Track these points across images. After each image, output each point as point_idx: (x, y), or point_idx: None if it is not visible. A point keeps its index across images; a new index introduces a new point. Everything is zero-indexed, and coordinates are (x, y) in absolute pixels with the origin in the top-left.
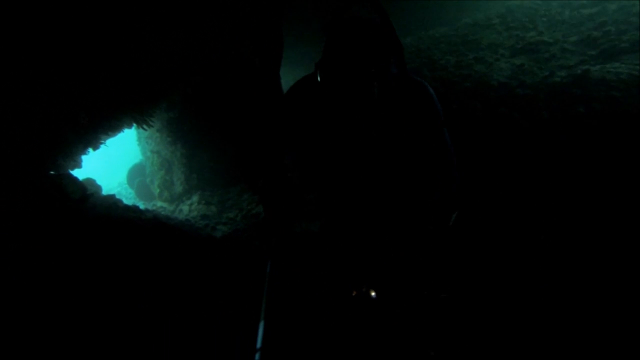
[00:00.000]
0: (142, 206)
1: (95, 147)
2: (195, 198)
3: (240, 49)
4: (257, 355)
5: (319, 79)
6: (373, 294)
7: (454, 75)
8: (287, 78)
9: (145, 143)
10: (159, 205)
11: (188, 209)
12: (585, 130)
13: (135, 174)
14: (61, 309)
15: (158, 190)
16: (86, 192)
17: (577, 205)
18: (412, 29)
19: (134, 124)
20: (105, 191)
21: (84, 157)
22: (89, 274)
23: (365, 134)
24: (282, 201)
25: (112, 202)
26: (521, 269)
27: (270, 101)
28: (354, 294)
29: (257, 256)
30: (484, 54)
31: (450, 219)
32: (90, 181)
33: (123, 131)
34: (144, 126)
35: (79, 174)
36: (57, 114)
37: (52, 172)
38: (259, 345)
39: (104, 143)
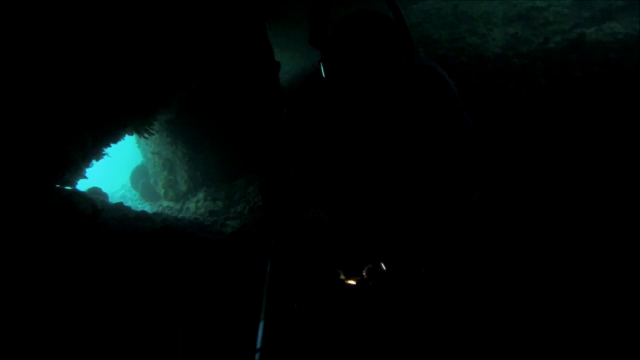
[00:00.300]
0: (149, 209)
1: (98, 159)
2: (201, 195)
3: (239, 48)
4: (257, 356)
5: (323, 75)
6: (383, 267)
7: (448, 50)
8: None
9: (145, 145)
10: (165, 205)
11: (194, 206)
12: (583, 94)
13: (139, 176)
14: (73, 321)
15: (163, 191)
16: (97, 207)
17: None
18: (402, 0)
19: (135, 133)
20: (110, 194)
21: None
22: (103, 290)
23: (379, 128)
24: (282, 202)
25: (122, 214)
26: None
27: (268, 96)
28: (364, 273)
29: (265, 252)
30: (476, 25)
31: (472, 200)
32: (96, 190)
33: (124, 138)
34: (145, 135)
35: (82, 182)
36: (65, 138)
37: (58, 186)
38: (258, 345)
39: (107, 154)
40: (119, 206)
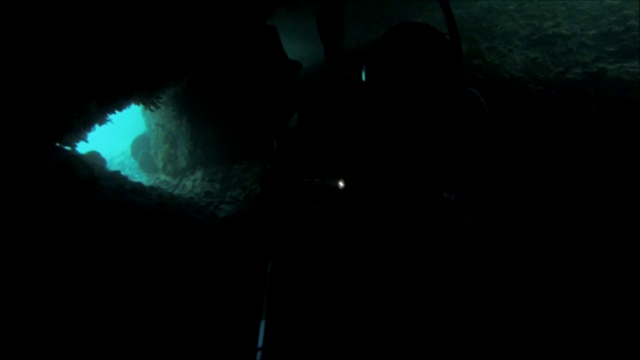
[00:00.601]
0: (145, 180)
1: (102, 124)
2: (199, 174)
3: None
4: (258, 355)
5: (364, 78)
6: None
7: (465, 65)
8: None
9: (150, 115)
10: (162, 179)
11: (191, 184)
12: (595, 129)
13: (140, 146)
14: (61, 299)
15: (162, 164)
16: (94, 174)
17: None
18: (427, 9)
19: (142, 104)
20: (108, 159)
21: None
22: (94, 263)
23: (408, 135)
24: (281, 200)
25: (118, 184)
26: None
27: (277, 91)
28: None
29: (258, 245)
30: (497, 44)
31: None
32: (95, 154)
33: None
34: (151, 107)
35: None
36: (68, 102)
37: (57, 145)
38: (260, 344)
39: (110, 121)
40: (116, 175)
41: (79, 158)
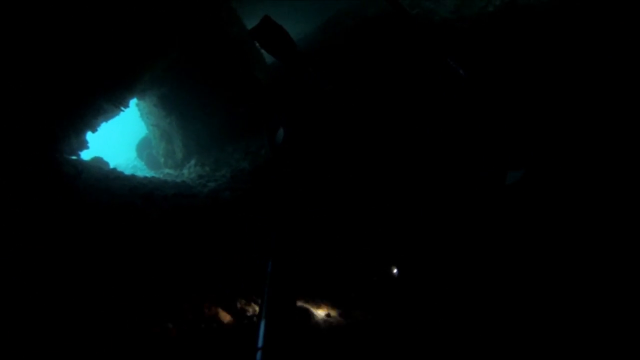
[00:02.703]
0: (148, 174)
1: (94, 130)
2: (193, 161)
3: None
4: (258, 355)
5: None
6: (395, 271)
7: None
8: None
9: (147, 118)
10: (166, 172)
11: (187, 172)
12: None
13: (144, 147)
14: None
15: (163, 159)
16: (78, 168)
17: None
18: None
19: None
20: (124, 167)
21: (94, 146)
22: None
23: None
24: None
25: (104, 176)
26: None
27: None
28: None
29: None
30: None
31: None
32: (98, 159)
33: (126, 108)
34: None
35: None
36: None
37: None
38: (260, 344)
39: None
40: (107, 170)
41: (67, 159)
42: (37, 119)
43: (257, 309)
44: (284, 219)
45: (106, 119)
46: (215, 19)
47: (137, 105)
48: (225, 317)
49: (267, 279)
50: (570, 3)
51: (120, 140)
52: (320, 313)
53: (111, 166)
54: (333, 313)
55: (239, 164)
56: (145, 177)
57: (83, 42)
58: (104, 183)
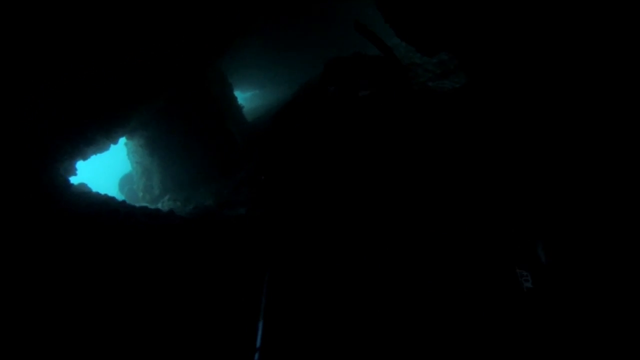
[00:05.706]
0: None
1: (85, 158)
2: (167, 197)
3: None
4: (256, 355)
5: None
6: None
7: None
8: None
9: (132, 156)
10: (143, 204)
11: (161, 205)
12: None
13: (126, 182)
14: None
15: (141, 194)
16: (68, 181)
17: None
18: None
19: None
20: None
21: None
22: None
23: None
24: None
25: (83, 193)
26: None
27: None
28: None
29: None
30: None
31: None
32: (83, 185)
33: (115, 144)
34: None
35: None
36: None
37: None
38: (258, 344)
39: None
40: (87, 192)
41: (59, 175)
42: (43, 138)
43: None
44: (280, 226)
45: (96, 151)
46: (201, 78)
47: (126, 144)
48: None
49: (265, 282)
50: None
51: (105, 175)
52: None
53: None
54: None
55: (205, 201)
56: (123, 201)
57: (90, 81)
58: (87, 196)
